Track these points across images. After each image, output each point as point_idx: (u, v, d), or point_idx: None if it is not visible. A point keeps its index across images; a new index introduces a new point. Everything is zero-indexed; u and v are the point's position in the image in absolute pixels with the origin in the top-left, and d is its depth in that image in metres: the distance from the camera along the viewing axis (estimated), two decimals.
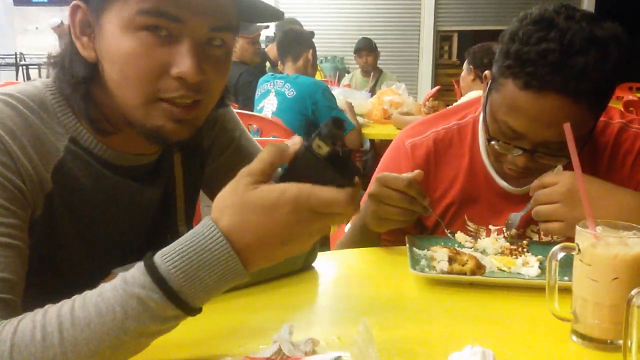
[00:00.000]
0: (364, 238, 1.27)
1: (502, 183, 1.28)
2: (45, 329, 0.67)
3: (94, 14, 0.85)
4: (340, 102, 3.50)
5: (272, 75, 3.45)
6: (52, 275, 0.91)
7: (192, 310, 0.70)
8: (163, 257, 0.68)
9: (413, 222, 1.18)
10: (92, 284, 0.73)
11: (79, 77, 0.87)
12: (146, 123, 0.86)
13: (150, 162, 1.00)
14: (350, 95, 3.84)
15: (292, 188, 0.67)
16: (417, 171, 1.14)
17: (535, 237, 1.28)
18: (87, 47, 0.87)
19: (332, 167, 0.68)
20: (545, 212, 1.05)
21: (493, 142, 1.15)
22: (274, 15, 0.95)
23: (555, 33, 1.03)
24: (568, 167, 1.06)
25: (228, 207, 0.69)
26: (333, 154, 0.68)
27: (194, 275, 0.68)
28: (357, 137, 3.36)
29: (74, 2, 0.86)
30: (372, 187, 1.15)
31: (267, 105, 3.30)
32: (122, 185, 0.96)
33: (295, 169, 0.69)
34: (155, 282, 0.67)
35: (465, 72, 3.84)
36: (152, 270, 0.68)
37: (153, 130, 0.87)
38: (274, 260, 0.71)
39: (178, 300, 0.68)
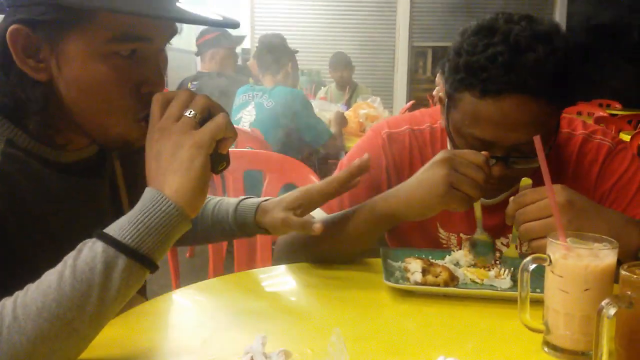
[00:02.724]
0: (372, 230, 1.17)
1: None
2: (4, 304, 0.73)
3: (45, 39, 0.84)
4: (321, 115, 3.53)
5: (251, 86, 3.45)
6: (12, 280, 0.89)
7: (120, 244, 0.74)
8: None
9: (470, 206, 1.08)
10: None
11: (36, 101, 0.87)
12: (117, 139, 0.90)
13: (90, 157, 0.99)
14: (326, 108, 3.85)
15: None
16: (485, 152, 1.08)
17: (504, 249, 1.28)
18: (38, 69, 0.85)
19: None
20: (538, 228, 0.99)
21: None
22: (232, 23, 0.96)
23: (498, 37, 1.05)
24: (537, 183, 1.07)
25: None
26: None
27: (124, 218, 0.78)
28: (335, 143, 3.39)
29: (12, 27, 0.82)
30: (443, 154, 1.07)
31: (246, 116, 3.30)
32: (65, 182, 0.94)
33: None
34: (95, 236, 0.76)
35: (441, 87, 3.88)
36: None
37: (125, 143, 0.91)
38: (178, 173, 0.78)
39: (106, 236, 0.75)
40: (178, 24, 0.90)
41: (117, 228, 0.76)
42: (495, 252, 1.13)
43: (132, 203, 1.06)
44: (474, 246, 1.13)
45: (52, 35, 0.83)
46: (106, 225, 0.78)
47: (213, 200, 1.26)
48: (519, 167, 1.12)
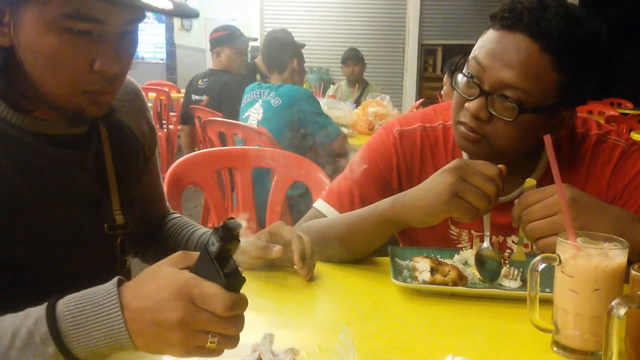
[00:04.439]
0: (381, 231, 1.18)
1: None
2: None
3: (8, 4, 0.85)
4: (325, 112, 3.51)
5: (258, 84, 3.45)
6: None
7: (73, 358, 0.71)
8: (65, 299, 0.72)
9: (475, 218, 1.05)
10: (43, 277, 0.79)
11: None
12: (68, 108, 0.91)
13: (79, 133, 1.00)
14: (335, 106, 3.84)
15: (185, 274, 0.72)
16: (502, 165, 1.07)
17: (515, 248, 1.28)
18: (2, 34, 0.87)
19: (218, 265, 0.71)
20: (543, 227, 1.00)
21: (457, 75, 1.18)
22: (187, 12, 0.96)
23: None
24: (545, 182, 1.06)
25: (138, 273, 0.75)
26: (221, 252, 0.71)
27: (82, 324, 0.71)
28: (343, 142, 3.37)
29: None
30: (455, 162, 1.06)
31: (253, 115, 3.29)
32: (47, 154, 0.95)
33: (197, 262, 0.74)
34: (47, 318, 0.71)
35: (448, 86, 3.87)
36: (50, 308, 0.71)
37: (74, 112, 0.92)
38: (157, 343, 0.72)
39: (61, 342, 0.70)
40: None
41: (77, 334, 0.71)
42: (502, 267, 1.12)
43: (118, 171, 1.06)
44: (481, 264, 1.12)
45: (13, 1, 0.84)
46: (88, 198, 0.76)
47: (199, 230, 1.26)
48: (494, 113, 1.12)
